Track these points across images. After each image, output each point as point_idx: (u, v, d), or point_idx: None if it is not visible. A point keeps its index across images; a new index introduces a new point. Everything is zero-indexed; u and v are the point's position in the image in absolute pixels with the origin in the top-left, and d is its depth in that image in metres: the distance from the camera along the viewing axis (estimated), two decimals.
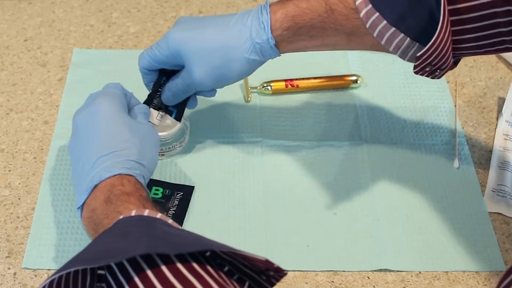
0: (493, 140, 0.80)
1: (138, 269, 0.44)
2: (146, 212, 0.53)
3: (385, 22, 0.61)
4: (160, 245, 0.45)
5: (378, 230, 0.71)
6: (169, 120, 0.74)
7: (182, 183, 0.74)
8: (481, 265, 0.68)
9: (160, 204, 0.71)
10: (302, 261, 0.68)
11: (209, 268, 0.45)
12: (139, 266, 0.44)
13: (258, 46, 0.65)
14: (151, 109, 0.71)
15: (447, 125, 0.82)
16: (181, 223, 0.70)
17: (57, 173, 0.74)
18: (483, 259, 0.69)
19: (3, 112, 0.82)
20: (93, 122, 0.62)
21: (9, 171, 0.75)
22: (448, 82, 0.88)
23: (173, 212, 0.71)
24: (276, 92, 0.85)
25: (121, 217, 0.53)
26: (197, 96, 0.73)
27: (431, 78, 0.64)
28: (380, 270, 0.68)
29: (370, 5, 0.61)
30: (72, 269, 0.45)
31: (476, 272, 0.68)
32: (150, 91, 0.71)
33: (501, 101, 0.85)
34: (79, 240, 0.68)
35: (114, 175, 0.58)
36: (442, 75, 0.64)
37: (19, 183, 0.74)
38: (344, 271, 0.68)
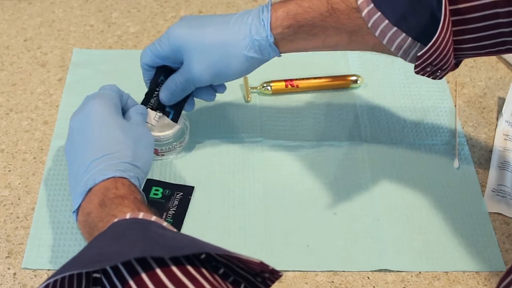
0: (493, 140, 0.80)
1: (133, 272, 0.44)
2: (140, 215, 0.53)
3: (387, 21, 0.61)
4: (154, 248, 0.45)
5: (378, 230, 0.71)
6: (168, 120, 0.74)
7: (182, 183, 0.74)
8: (481, 265, 0.68)
9: (160, 204, 0.71)
10: (302, 261, 0.68)
11: (203, 271, 0.45)
12: (134, 269, 0.44)
13: (257, 43, 0.65)
14: (149, 109, 0.71)
15: (447, 125, 0.82)
16: (181, 223, 0.70)
17: (57, 173, 0.74)
18: (483, 259, 0.69)
19: (3, 112, 0.82)
20: (86, 125, 0.62)
21: (9, 171, 0.75)
22: (448, 82, 0.88)
23: (173, 212, 0.71)
24: (276, 92, 0.85)
25: (115, 220, 0.53)
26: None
27: (432, 78, 0.64)
28: (380, 270, 0.68)
29: (372, 5, 0.61)
30: (67, 274, 0.45)
31: (476, 272, 0.68)
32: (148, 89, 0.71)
33: (501, 101, 0.85)
34: (79, 240, 0.68)
35: (108, 178, 0.58)
36: (443, 75, 0.63)
37: (19, 183, 0.74)
38: (344, 271, 0.68)
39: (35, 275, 0.66)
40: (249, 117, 0.82)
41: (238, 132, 0.80)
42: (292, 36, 0.65)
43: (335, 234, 0.71)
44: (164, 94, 0.70)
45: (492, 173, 0.77)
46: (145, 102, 0.71)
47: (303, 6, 0.63)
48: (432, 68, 0.61)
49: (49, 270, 0.66)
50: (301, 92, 0.85)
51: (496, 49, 0.60)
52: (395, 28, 0.61)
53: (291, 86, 0.85)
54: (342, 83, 0.86)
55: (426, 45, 0.58)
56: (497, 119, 0.83)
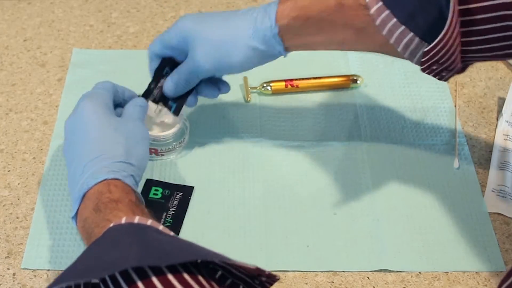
0: (493, 140, 0.80)
1: (129, 280, 0.45)
2: (136, 219, 0.53)
3: (395, 20, 0.60)
4: (150, 257, 0.45)
5: (378, 230, 0.71)
6: (168, 119, 0.74)
7: (181, 183, 0.74)
8: (481, 265, 0.68)
9: (160, 205, 0.71)
10: (302, 261, 0.68)
11: (200, 278, 0.45)
12: (130, 278, 0.45)
13: (261, 33, 0.65)
14: (150, 102, 0.70)
15: (447, 125, 0.82)
16: (180, 223, 0.70)
17: (57, 173, 0.74)
18: (483, 259, 0.69)
19: (2, 112, 0.81)
20: (78, 126, 0.62)
21: (9, 171, 0.75)
22: (448, 82, 0.88)
23: (173, 212, 0.71)
24: (276, 92, 0.85)
25: (111, 225, 0.53)
26: (198, 97, 0.73)
27: (438, 79, 0.63)
28: (380, 271, 0.68)
29: (381, 3, 0.60)
30: (64, 284, 0.45)
31: (476, 272, 0.68)
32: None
33: (501, 101, 0.85)
34: (78, 241, 0.68)
35: (101, 181, 0.57)
36: (449, 77, 0.63)
37: (19, 184, 0.74)
38: (344, 271, 0.68)
39: (35, 275, 0.66)
40: (249, 117, 0.82)
41: (238, 132, 0.80)
42: (298, 29, 0.64)
43: (335, 234, 0.70)
44: (168, 86, 0.69)
45: (492, 173, 0.77)
46: (147, 94, 0.70)
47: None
48: (438, 66, 0.61)
49: (48, 270, 0.66)
50: (301, 92, 0.85)
51: (503, 52, 0.60)
52: (403, 27, 0.60)
53: (291, 86, 0.84)
54: (342, 83, 0.86)
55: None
56: (497, 119, 0.83)
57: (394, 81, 0.87)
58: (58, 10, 0.96)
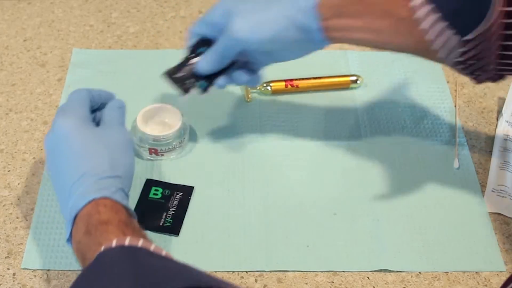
0: (493, 140, 0.80)
1: None
2: (127, 241, 0.52)
3: (437, 15, 0.57)
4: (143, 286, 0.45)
5: (378, 230, 0.71)
6: (169, 119, 0.74)
7: (181, 183, 0.74)
8: (481, 265, 0.68)
9: (160, 205, 0.71)
10: (302, 261, 0.68)
11: None
12: None
13: (297, 6, 0.63)
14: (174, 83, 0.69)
15: (447, 125, 0.82)
16: (180, 224, 0.70)
17: None
18: (483, 259, 0.69)
19: (2, 112, 0.81)
20: (58, 144, 0.61)
21: (9, 171, 0.75)
22: (448, 82, 0.88)
23: (173, 212, 0.71)
24: (276, 92, 0.85)
25: (102, 248, 0.52)
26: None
27: (473, 78, 0.61)
28: (380, 271, 0.68)
29: None
30: None
31: (476, 272, 0.68)
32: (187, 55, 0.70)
33: (501, 101, 0.85)
34: None
35: (90, 202, 0.57)
36: (482, 80, 0.61)
37: (18, 184, 0.74)
38: (344, 271, 0.67)
39: (35, 275, 0.66)
40: (249, 117, 0.82)
41: (238, 132, 0.80)
42: (337, 7, 0.62)
43: (335, 234, 0.70)
44: (203, 61, 0.68)
45: (492, 173, 0.77)
46: (176, 70, 0.69)
47: None
48: (475, 63, 0.59)
49: (48, 270, 0.66)
50: (301, 92, 0.85)
51: None
52: (444, 23, 0.57)
53: (291, 86, 0.85)
54: (342, 83, 0.86)
55: None
56: (497, 119, 0.83)
57: (394, 81, 0.87)
58: (58, 10, 0.96)
